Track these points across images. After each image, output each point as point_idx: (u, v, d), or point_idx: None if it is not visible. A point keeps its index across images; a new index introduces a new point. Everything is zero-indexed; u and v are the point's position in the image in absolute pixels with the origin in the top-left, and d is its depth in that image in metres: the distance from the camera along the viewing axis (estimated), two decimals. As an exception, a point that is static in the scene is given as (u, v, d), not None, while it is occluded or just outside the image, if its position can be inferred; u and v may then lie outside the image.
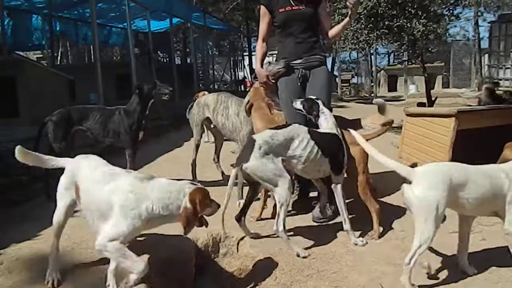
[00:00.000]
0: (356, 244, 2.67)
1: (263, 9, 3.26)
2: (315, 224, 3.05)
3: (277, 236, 2.60)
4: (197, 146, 4.04)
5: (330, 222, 3.05)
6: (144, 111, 3.68)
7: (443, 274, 2.30)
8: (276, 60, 3.28)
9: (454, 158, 3.64)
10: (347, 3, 3.09)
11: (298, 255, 2.51)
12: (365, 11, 6.49)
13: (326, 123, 2.77)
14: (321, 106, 2.80)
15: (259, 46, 3.34)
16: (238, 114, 3.54)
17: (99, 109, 3.85)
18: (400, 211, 3.21)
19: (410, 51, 8.27)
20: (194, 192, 2.04)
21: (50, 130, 3.60)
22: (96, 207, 2.09)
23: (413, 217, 2.07)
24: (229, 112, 3.63)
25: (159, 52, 15.91)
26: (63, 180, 2.26)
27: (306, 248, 2.62)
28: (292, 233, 2.84)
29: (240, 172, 2.50)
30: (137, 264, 2.01)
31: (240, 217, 2.73)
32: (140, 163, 4.02)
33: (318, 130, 2.75)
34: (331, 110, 3.16)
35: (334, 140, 2.73)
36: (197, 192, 2.06)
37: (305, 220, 3.09)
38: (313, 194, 3.40)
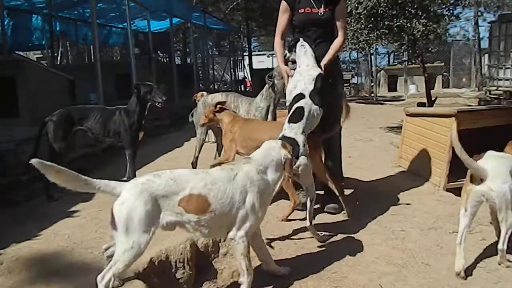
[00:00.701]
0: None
1: (284, 5, 3.22)
2: (316, 224, 3.05)
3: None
4: (201, 146, 4.04)
5: (330, 222, 3.05)
6: (143, 111, 3.68)
7: (444, 274, 2.30)
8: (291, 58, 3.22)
9: (454, 158, 3.64)
10: None
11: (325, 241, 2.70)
12: (365, 11, 6.48)
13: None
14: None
15: (278, 44, 3.22)
16: (248, 112, 3.69)
17: (99, 109, 3.86)
18: (400, 212, 3.21)
19: (410, 51, 8.24)
20: (283, 143, 2.23)
21: (50, 130, 3.60)
22: (229, 207, 2.02)
23: (494, 209, 2.36)
24: (239, 111, 3.74)
25: (159, 52, 15.89)
26: (142, 208, 1.91)
27: (307, 249, 2.62)
28: (292, 233, 2.85)
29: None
30: (250, 271, 2.07)
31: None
32: (140, 163, 4.02)
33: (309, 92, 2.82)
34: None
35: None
36: (283, 142, 2.28)
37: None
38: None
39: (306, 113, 2.68)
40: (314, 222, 2.74)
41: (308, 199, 2.70)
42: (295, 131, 2.61)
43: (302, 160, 2.52)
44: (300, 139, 2.57)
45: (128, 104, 3.70)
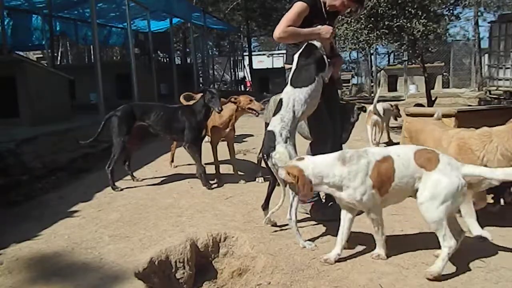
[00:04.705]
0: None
1: (305, 6, 2.96)
2: (315, 224, 3.05)
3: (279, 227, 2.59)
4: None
5: (330, 223, 3.05)
6: (208, 113, 3.96)
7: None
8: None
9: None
10: None
11: (304, 247, 2.61)
12: (365, 11, 6.49)
13: None
14: None
15: (294, 28, 2.90)
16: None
17: (160, 106, 4.09)
18: (400, 212, 3.21)
19: (410, 51, 8.27)
20: None
21: (114, 124, 3.82)
22: None
23: None
24: None
25: (159, 52, 15.89)
26: None
27: (307, 249, 2.62)
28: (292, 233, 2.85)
29: (271, 163, 2.66)
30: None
31: (265, 207, 2.99)
32: (140, 163, 4.03)
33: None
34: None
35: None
36: None
37: (306, 221, 3.10)
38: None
39: (284, 103, 2.76)
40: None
41: (290, 192, 2.69)
42: (273, 123, 2.73)
43: (279, 148, 2.63)
44: (277, 129, 2.68)
45: (194, 104, 4.00)
